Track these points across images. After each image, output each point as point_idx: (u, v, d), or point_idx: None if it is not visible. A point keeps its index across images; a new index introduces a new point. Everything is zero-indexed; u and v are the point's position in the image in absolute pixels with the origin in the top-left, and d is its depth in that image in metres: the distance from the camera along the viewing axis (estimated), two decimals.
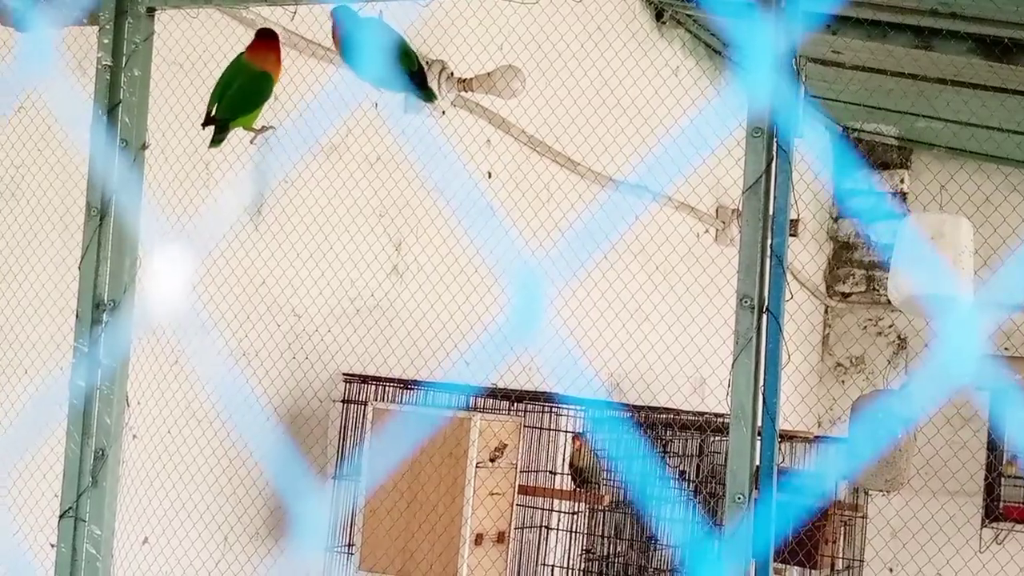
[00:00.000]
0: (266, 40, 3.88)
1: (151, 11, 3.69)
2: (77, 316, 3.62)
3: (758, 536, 3.02)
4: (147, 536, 4.78)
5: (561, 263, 6.34)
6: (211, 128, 3.87)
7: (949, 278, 4.81)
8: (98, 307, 3.60)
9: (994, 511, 9.51)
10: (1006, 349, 9.15)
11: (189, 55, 4.66)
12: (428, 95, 4.02)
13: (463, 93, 5.88)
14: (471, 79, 5.82)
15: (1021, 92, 6.97)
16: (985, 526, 9.46)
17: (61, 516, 3.58)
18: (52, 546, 3.66)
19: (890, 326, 10.32)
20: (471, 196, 6.14)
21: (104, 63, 3.63)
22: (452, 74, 5.77)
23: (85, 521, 3.54)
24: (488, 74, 5.82)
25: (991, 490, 9.55)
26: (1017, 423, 9.26)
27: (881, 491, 6.26)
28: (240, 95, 3.84)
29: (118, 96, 3.63)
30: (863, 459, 5.72)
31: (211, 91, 3.90)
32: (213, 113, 3.85)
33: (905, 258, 5.00)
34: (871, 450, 5.72)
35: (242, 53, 3.91)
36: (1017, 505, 9.51)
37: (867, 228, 10.24)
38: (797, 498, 5.93)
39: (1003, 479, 9.50)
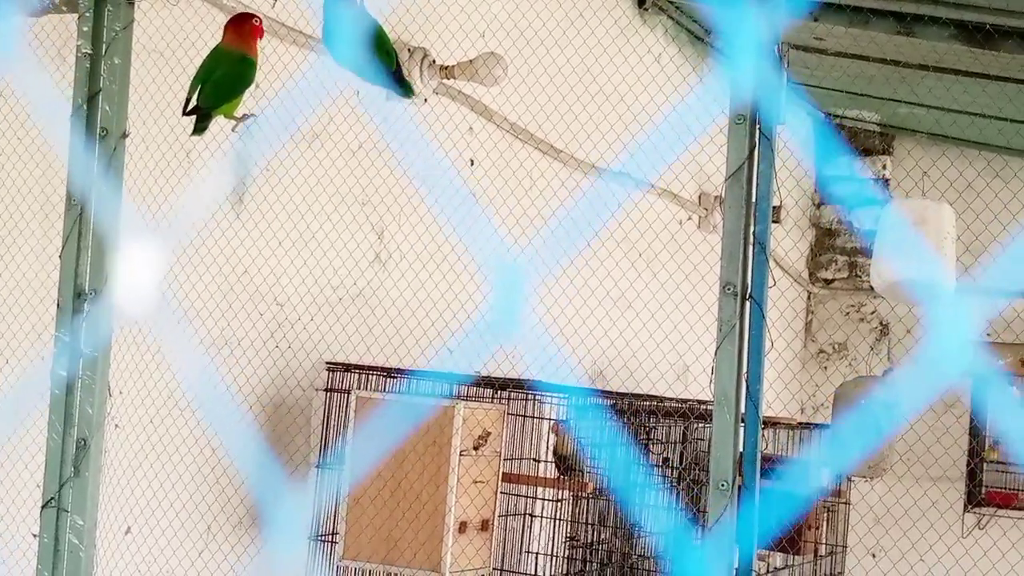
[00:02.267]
0: (241, 23, 3.87)
1: None
2: (58, 306, 3.61)
3: (742, 523, 3.02)
4: (130, 526, 4.76)
5: (544, 251, 6.34)
6: (192, 116, 3.86)
7: (931, 264, 4.81)
8: (79, 296, 3.59)
9: (976, 496, 9.55)
10: (988, 335, 9.18)
11: (169, 43, 4.64)
12: (406, 91, 4.01)
13: (445, 81, 5.87)
14: (453, 66, 5.81)
15: (1003, 78, 6.98)
16: (967, 511, 9.50)
17: (43, 506, 3.57)
18: (34, 536, 3.65)
19: (872, 312, 10.35)
20: (453, 184, 6.13)
21: (83, 51, 3.62)
22: (434, 61, 5.76)
23: (67, 511, 3.53)
24: (470, 61, 5.81)
25: (973, 476, 9.59)
26: (999, 409, 9.29)
27: (864, 477, 6.29)
28: (222, 82, 3.83)
29: (98, 84, 3.61)
30: (847, 446, 5.74)
31: (191, 79, 3.89)
32: (194, 101, 3.83)
33: (887, 244, 5.00)
34: (855, 437, 5.74)
35: (220, 40, 3.89)
36: (999, 490, 9.54)
37: (850, 214, 10.26)
38: (783, 487, 5.95)
39: (985, 464, 9.53)
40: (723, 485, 3.02)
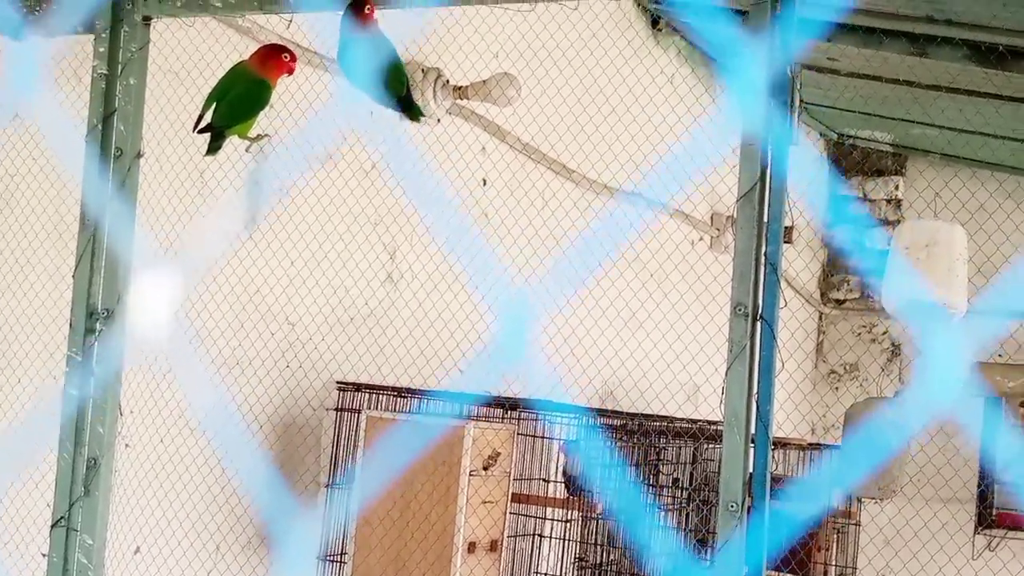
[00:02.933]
0: (273, 52, 3.88)
1: (147, 20, 3.69)
2: (71, 325, 3.62)
3: (751, 544, 3.01)
4: (139, 546, 4.76)
5: (556, 271, 6.34)
6: (206, 136, 3.86)
7: (943, 286, 4.81)
8: (91, 316, 3.59)
9: (987, 518, 9.51)
10: (1000, 356, 9.16)
11: (185, 63, 4.65)
12: (414, 115, 4.02)
13: (458, 101, 5.88)
14: (467, 87, 5.82)
15: (1016, 99, 6.98)
16: (978, 533, 9.46)
17: (53, 525, 3.57)
18: (44, 556, 3.65)
19: (884, 333, 10.33)
20: (466, 204, 6.14)
21: (99, 71, 3.63)
22: (448, 82, 5.77)
23: (77, 531, 3.53)
24: (484, 82, 5.82)
25: (984, 497, 9.55)
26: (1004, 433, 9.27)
27: (874, 498, 6.27)
28: (237, 102, 3.83)
29: (113, 105, 3.62)
30: (858, 467, 5.73)
31: (206, 97, 3.90)
32: (209, 120, 3.84)
33: (899, 266, 5.01)
34: (865, 458, 5.73)
35: (243, 60, 3.90)
36: (1010, 512, 9.51)
37: (862, 235, 10.25)
38: (792, 508, 5.93)
39: (996, 486, 9.50)
40: (732, 506, 3.01)
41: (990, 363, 8.98)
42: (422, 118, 4.17)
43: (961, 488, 9.25)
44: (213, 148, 3.89)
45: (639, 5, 7.56)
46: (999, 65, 6.17)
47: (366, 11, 3.67)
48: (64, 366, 3.61)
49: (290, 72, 3.92)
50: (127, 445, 4.64)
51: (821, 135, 9.85)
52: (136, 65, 3.65)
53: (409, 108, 3.93)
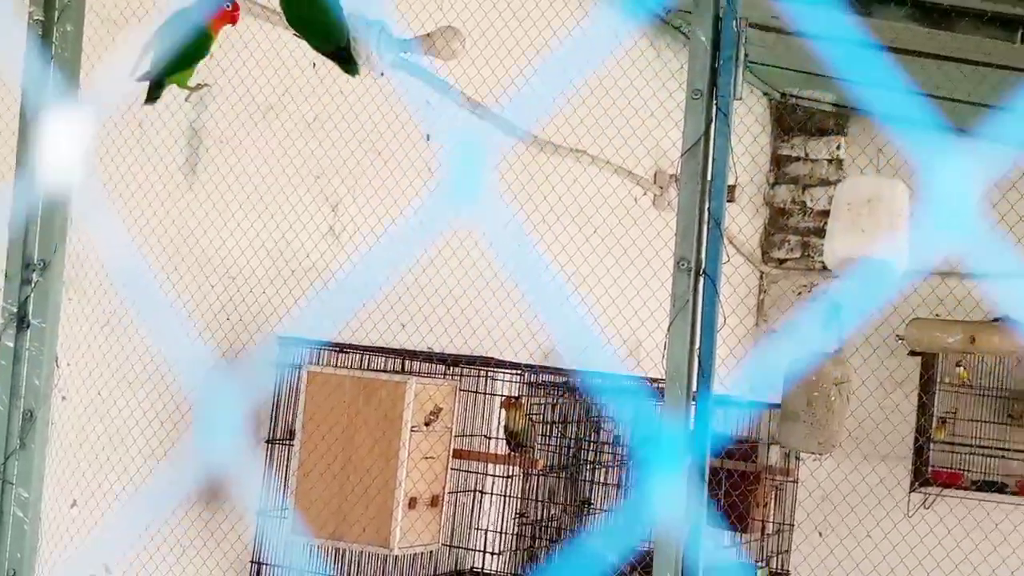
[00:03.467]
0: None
1: None
2: (6, 276, 3.56)
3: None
4: (75, 499, 4.72)
5: (499, 227, 6.32)
6: (145, 84, 3.80)
7: (885, 242, 4.84)
8: (27, 267, 3.54)
9: (923, 475, 9.63)
10: (938, 315, 9.24)
11: (123, 11, 4.58)
12: (351, 70, 3.98)
13: (401, 53, 5.82)
14: (411, 39, 5.76)
15: (958, 59, 7.01)
16: (914, 490, 9.57)
17: None
18: None
19: (824, 292, 10.39)
20: (409, 158, 6.10)
21: (35, 18, 3.56)
22: (392, 34, 5.71)
23: (12, 484, 3.49)
24: (428, 35, 5.77)
25: (920, 454, 9.66)
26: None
27: (813, 454, 6.32)
28: (177, 51, 3.77)
29: (50, 52, 3.56)
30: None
31: (143, 45, 3.83)
32: (148, 68, 3.78)
33: (841, 222, 5.03)
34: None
35: (184, 8, 3.84)
36: (945, 469, 9.63)
37: (803, 195, 10.29)
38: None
39: (932, 444, 9.61)
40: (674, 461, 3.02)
41: (928, 319, 9.06)
42: (358, 74, 4.12)
43: (899, 444, 9.36)
44: (152, 97, 3.83)
45: None
46: (942, 24, 6.19)
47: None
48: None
49: (233, 22, 3.86)
50: (64, 398, 4.58)
51: (764, 94, 9.87)
52: (73, 12, 3.58)
53: (347, 61, 3.89)
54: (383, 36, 5.68)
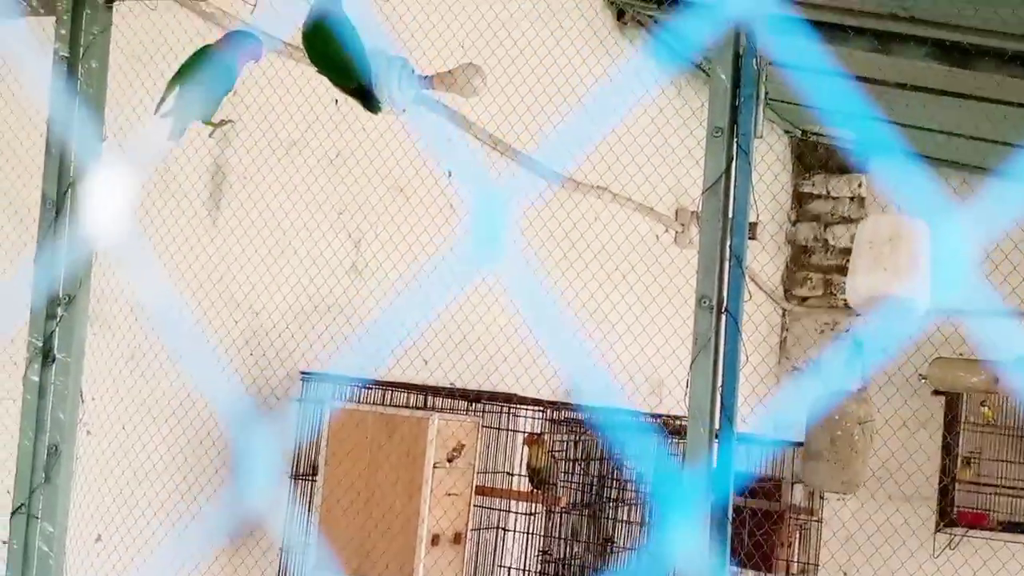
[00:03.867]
0: (241, 38, 3.84)
1: (110, 2, 3.66)
2: (32, 311, 3.58)
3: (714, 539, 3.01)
4: (100, 534, 4.73)
5: (521, 263, 6.33)
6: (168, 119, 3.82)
7: (907, 280, 4.82)
8: (53, 302, 3.56)
9: (948, 516, 9.57)
10: (961, 354, 9.20)
11: (148, 47, 4.61)
12: (373, 107, 4.00)
13: (424, 91, 5.85)
14: (432, 77, 5.79)
15: (979, 97, 7.01)
16: (939, 531, 9.51)
17: (13, 512, 3.53)
18: (3, 543, 3.61)
19: (847, 330, 10.37)
20: (431, 195, 6.12)
21: (61, 54, 3.60)
22: (413, 71, 5.74)
23: (38, 518, 3.50)
24: (450, 72, 5.80)
25: (945, 494, 9.60)
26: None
27: (837, 493, 6.28)
28: (201, 86, 3.79)
29: (75, 88, 3.59)
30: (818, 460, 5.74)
31: (169, 79, 3.86)
32: (170, 103, 3.79)
33: (863, 260, 5.02)
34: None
35: (208, 44, 3.86)
36: (971, 510, 9.56)
37: (825, 232, 10.28)
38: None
39: (957, 484, 9.55)
40: (696, 500, 3.01)
41: (951, 359, 9.03)
42: (381, 111, 4.14)
43: (923, 484, 9.30)
44: (176, 132, 3.85)
45: None
46: (963, 63, 6.19)
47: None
48: (25, 351, 3.57)
49: (256, 59, 3.89)
50: (88, 432, 4.60)
51: (785, 132, 9.88)
52: (98, 48, 3.62)
53: (369, 99, 3.91)
54: (404, 73, 5.72)
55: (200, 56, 3.81)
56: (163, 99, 3.77)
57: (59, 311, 3.56)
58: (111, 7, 3.66)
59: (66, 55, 3.59)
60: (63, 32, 3.60)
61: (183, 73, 3.79)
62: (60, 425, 3.53)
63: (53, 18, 3.65)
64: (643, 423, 6.22)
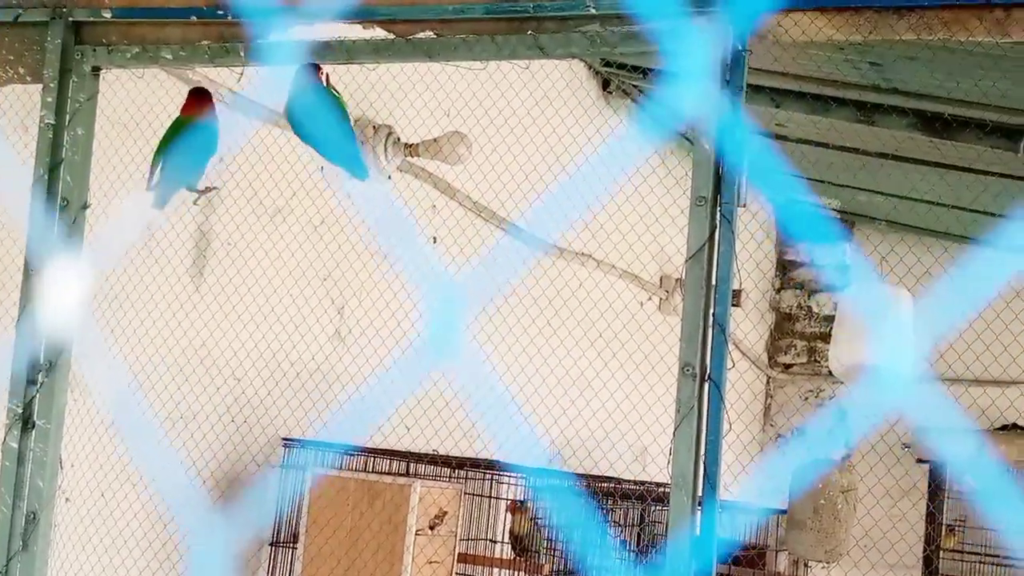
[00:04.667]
0: (199, 97, 3.87)
1: (96, 70, 3.67)
2: (12, 377, 3.57)
3: None
4: None
5: (505, 329, 6.33)
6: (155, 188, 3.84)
7: (890, 350, 4.83)
8: (34, 368, 3.55)
9: None
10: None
11: (133, 115, 4.63)
12: (359, 174, 4.02)
13: (409, 158, 5.89)
14: (417, 144, 5.83)
15: (961, 167, 7.06)
16: None
17: None
18: None
19: (831, 397, 10.37)
20: (415, 261, 6.13)
21: (47, 121, 3.61)
22: (399, 139, 5.77)
23: None
24: (435, 139, 5.83)
25: (929, 563, 9.57)
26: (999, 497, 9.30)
27: (821, 562, 6.26)
28: (186, 152, 3.81)
29: (60, 155, 3.60)
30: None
31: (154, 153, 3.87)
32: (158, 175, 3.81)
33: (846, 329, 5.03)
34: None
35: (180, 115, 3.89)
36: None
37: (809, 300, 10.31)
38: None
39: (941, 552, 9.52)
40: (679, 567, 3.00)
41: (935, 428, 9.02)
42: (367, 178, 4.15)
43: (907, 553, 9.27)
44: (161, 201, 3.86)
45: (590, 68, 7.61)
46: (944, 134, 6.24)
47: (321, 68, 3.69)
48: (4, 417, 3.56)
49: (191, 111, 3.89)
50: (67, 499, 4.57)
51: (769, 200, 9.92)
52: (84, 115, 3.63)
53: (354, 167, 3.92)
54: (390, 140, 5.76)
55: (180, 126, 3.83)
56: (152, 172, 3.79)
57: (40, 377, 3.54)
58: (97, 75, 3.68)
59: (52, 122, 3.61)
60: (49, 100, 3.62)
61: (165, 144, 3.81)
62: (39, 492, 3.50)
63: (40, 86, 3.66)
64: (626, 488, 6.20)
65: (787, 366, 10.41)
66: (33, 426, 3.52)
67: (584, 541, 6.33)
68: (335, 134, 3.76)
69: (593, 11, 3.25)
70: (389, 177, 5.87)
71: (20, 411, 3.52)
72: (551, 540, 6.11)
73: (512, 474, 5.62)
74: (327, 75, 3.79)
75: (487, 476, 5.55)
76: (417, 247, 6.14)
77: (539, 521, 5.89)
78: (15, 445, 3.51)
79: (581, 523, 6.27)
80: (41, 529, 3.49)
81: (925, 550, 9.53)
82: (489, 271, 6.58)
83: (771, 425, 10.47)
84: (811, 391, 10.40)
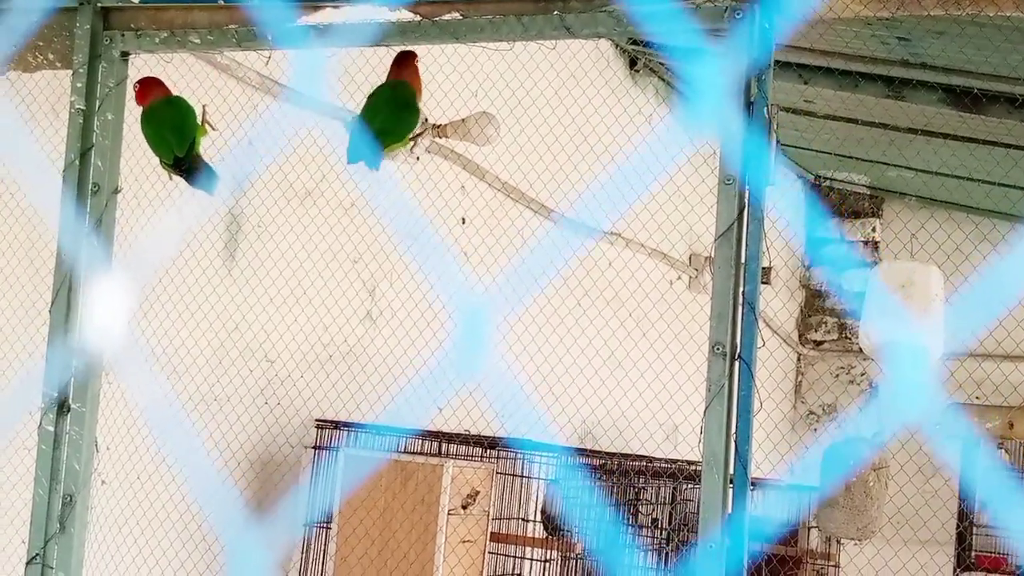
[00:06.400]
0: (405, 60, 3.86)
1: (125, 55, 3.69)
2: (47, 361, 3.60)
3: None
4: None
5: (535, 309, 6.34)
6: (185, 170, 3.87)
7: (919, 326, 4.82)
8: (68, 352, 3.57)
9: (966, 560, 9.50)
10: (977, 398, 9.17)
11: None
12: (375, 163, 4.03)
13: (437, 139, 5.89)
14: (446, 125, 5.83)
15: (990, 142, 7.03)
16: None
17: (28, 563, 3.54)
18: None
19: (862, 374, 10.34)
20: (445, 242, 6.14)
21: (77, 107, 3.62)
22: (427, 120, 5.78)
23: (52, 568, 3.50)
24: (463, 120, 5.83)
25: (962, 539, 9.54)
26: (986, 473, 9.27)
27: (853, 539, 6.26)
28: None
29: (91, 140, 3.61)
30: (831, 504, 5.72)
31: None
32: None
33: (876, 306, 5.02)
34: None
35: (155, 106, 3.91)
36: (988, 555, 9.50)
37: (839, 277, 10.28)
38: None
39: (975, 528, 9.50)
40: (711, 547, 3.01)
41: (968, 404, 8.99)
42: (377, 169, 4.15)
43: (939, 530, 9.25)
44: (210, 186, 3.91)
45: (617, 47, 7.60)
46: (973, 108, 6.22)
47: (415, 61, 3.72)
48: (40, 401, 3.59)
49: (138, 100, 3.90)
50: (103, 482, 4.61)
51: (798, 177, 9.90)
52: (114, 100, 3.64)
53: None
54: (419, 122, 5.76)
55: (162, 115, 3.86)
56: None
57: (73, 362, 3.57)
58: (127, 60, 3.69)
59: (82, 108, 3.62)
60: (79, 85, 3.63)
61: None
62: (75, 475, 3.53)
63: (69, 71, 3.68)
64: (660, 468, 6.21)
65: (818, 343, 10.38)
66: (69, 410, 3.54)
67: (610, 521, 6.35)
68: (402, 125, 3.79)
69: None
70: (417, 158, 5.88)
71: (55, 395, 3.55)
72: (583, 519, 6.13)
73: (543, 453, 5.64)
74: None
75: (519, 456, 5.57)
76: (442, 259, 6.15)
77: (571, 500, 5.91)
78: (51, 428, 3.54)
79: (605, 504, 6.29)
80: (78, 511, 3.52)
81: (958, 527, 9.52)
82: (529, 261, 6.60)
83: (802, 402, 10.45)
84: (842, 368, 10.38)
